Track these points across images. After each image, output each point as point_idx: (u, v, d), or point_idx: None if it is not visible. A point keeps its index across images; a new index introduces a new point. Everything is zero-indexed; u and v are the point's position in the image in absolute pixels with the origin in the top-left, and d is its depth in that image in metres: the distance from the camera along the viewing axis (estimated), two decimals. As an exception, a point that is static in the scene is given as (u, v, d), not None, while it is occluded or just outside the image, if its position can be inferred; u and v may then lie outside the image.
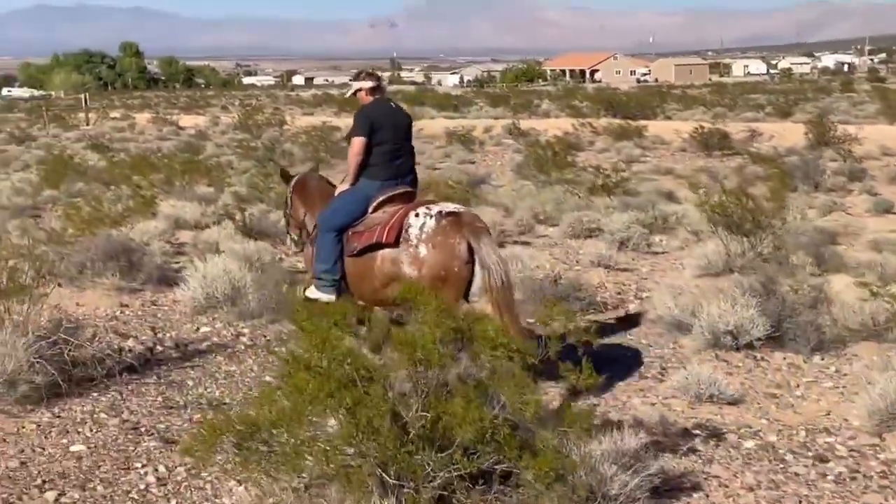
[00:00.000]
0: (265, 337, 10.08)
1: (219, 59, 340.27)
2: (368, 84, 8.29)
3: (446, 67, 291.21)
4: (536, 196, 21.53)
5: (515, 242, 16.66)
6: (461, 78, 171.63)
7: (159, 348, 9.71)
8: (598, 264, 14.12)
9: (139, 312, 11.26)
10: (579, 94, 77.07)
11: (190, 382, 8.58)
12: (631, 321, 10.73)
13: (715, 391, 7.79)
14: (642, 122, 40.18)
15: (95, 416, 7.67)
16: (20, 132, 48.89)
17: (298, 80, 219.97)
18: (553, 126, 42.57)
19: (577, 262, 14.92)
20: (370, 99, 8.26)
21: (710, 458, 6.78)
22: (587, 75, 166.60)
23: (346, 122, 52.11)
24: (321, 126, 42.75)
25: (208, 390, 8.36)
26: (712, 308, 9.27)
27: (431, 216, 7.52)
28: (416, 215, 7.57)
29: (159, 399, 8.11)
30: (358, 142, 7.99)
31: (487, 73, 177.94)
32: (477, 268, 7.39)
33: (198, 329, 10.49)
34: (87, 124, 57.80)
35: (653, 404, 7.88)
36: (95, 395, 8.11)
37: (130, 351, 9.44)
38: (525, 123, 44.61)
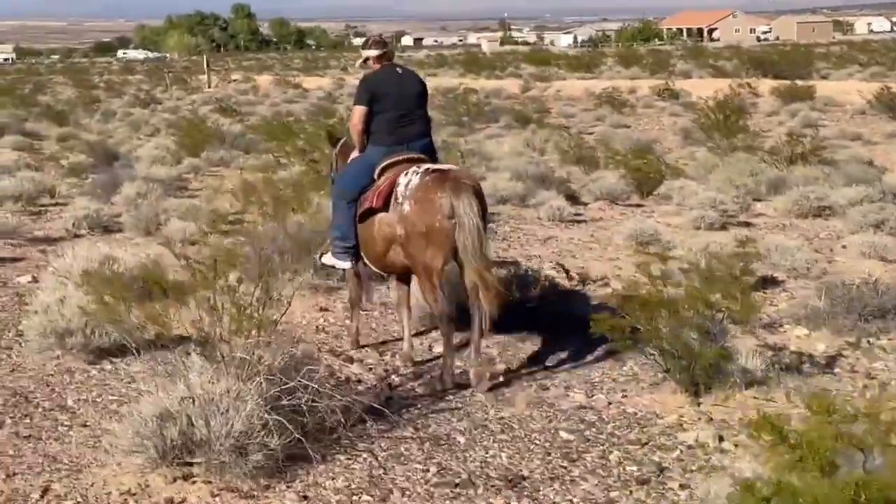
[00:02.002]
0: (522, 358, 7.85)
1: (326, 21, 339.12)
2: (374, 52, 8.14)
3: (554, 27, 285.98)
4: (724, 167, 18.99)
5: (738, 224, 14.26)
6: (575, 38, 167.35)
7: (395, 379, 7.54)
8: (869, 255, 11.65)
9: (345, 321, 9.12)
10: (707, 52, 73.69)
11: (460, 439, 6.31)
12: None
13: None
14: (810, 83, 36.98)
15: (356, 498, 5.49)
16: (145, 95, 47.67)
17: (407, 41, 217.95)
18: (699, 87, 39.63)
19: (830, 250, 12.48)
20: (378, 66, 8.12)
21: None
22: (705, 34, 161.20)
23: (481, 83, 49.98)
24: (457, 88, 40.38)
25: (490, 453, 6.12)
26: None
27: (418, 174, 7.41)
28: (405, 175, 7.47)
29: (431, 469, 5.84)
30: (357, 111, 7.95)
31: (602, 32, 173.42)
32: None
33: (430, 347, 8.32)
34: (209, 87, 56.46)
35: None
36: (343, 459, 5.90)
37: (360, 382, 7.32)
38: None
